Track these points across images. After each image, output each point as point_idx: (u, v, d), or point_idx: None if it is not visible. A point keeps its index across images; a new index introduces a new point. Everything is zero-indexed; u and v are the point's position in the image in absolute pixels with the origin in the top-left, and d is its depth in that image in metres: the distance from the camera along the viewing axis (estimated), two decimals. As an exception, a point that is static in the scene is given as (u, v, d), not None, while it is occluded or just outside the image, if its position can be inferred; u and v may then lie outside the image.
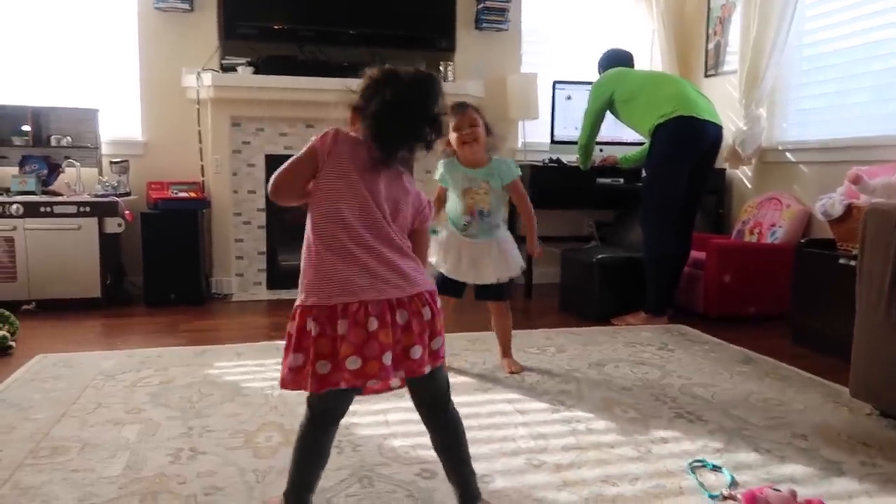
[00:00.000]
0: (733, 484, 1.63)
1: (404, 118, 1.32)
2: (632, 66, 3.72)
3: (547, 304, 3.91)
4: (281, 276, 4.18)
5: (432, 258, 2.47)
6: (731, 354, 2.83)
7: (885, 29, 3.25)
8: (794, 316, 3.13)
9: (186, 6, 3.91)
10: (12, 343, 2.79)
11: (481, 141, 2.38)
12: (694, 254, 3.59)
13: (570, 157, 4.15)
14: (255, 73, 3.95)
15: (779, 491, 1.46)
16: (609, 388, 2.36)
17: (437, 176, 2.50)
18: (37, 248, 3.51)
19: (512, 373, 2.54)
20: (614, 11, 4.65)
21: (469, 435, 1.90)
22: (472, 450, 1.79)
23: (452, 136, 2.37)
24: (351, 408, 1.42)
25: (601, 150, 4.30)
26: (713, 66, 4.41)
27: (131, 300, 3.83)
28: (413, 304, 1.31)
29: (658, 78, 3.54)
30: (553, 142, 4.38)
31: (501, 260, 2.47)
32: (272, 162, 3.99)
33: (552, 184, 4.22)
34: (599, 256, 3.54)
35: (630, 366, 2.64)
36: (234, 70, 3.93)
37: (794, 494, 1.45)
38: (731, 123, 4.01)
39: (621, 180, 4.09)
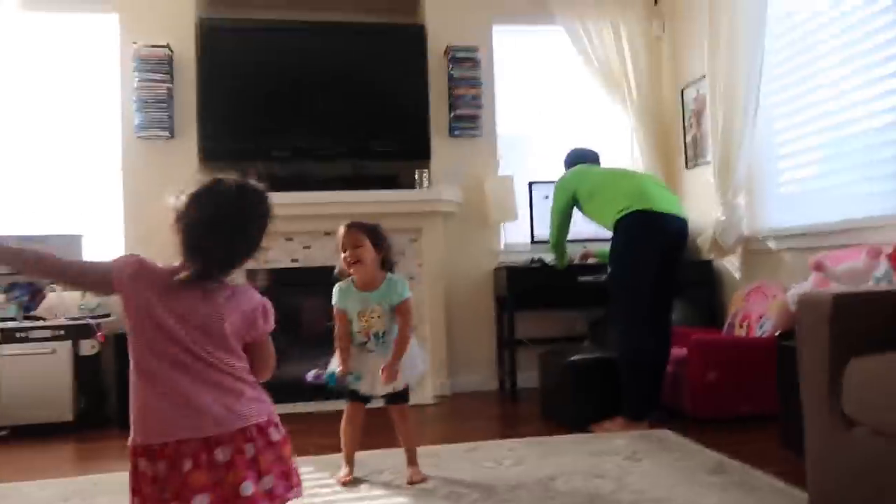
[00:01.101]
0: None
1: (217, 236, 1.28)
2: (597, 163, 3.70)
3: (529, 411, 3.72)
4: (271, 390, 4.10)
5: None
6: (702, 462, 2.59)
7: (859, 107, 3.12)
8: (781, 416, 2.88)
9: (167, 134, 4.11)
10: (-40, 473, 2.76)
11: (366, 262, 2.39)
12: (677, 351, 3.40)
13: (552, 256, 4.07)
14: (234, 192, 4.06)
15: None
16: (548, 506, 2.17)
17: (333, 301, 2.48)
18: (13, 374, 3.55)
19: (412, 483, 2.45)
20: (591, 111, 4.69)
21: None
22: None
23: (341, 257, 2.42)
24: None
25: (584, 247, 4.24)
26: (692, 157, 4.35)
27: (107, 423, 3.80)
28: (235, 441, 1.23)
29: (617, 174, 3.50)
30: (533, 241, 4.32)
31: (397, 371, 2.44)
32: (253, 275, 4.03)
33: (535, 284, 4.13)
34: (572, 358, 3.38)
35: (584, 479, 2.43)
36: (213, 190, 4.05)
37: None
38: (713, 213, 3.90)
39: (603, 277, 3.96)
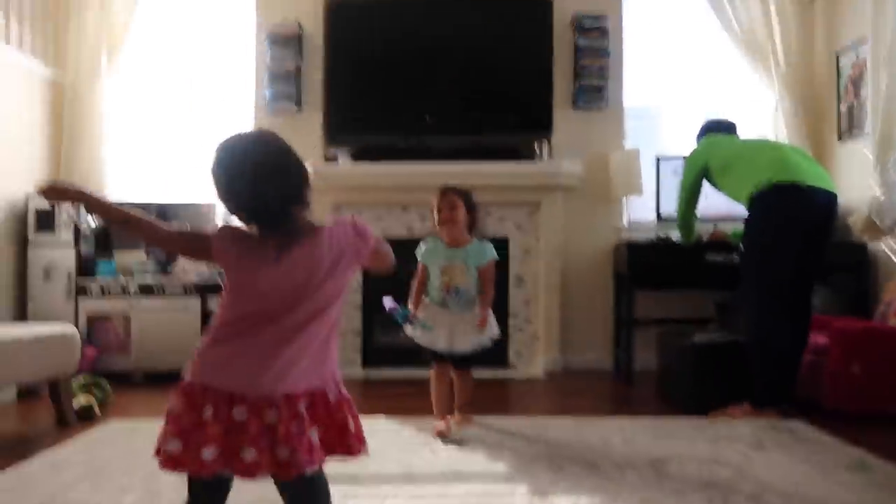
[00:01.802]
0: None
1: (239, 182, 1.25)
2: (733, 133, 3.40)
3: (645, 392, 3.52)
4: (376, 354, 4.16)
5: (415, 333, 2.56)
6: (840, 458, 2.31)
7: None
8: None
9: (295, 107, 4.25)
10: (97, 411, 3.00)
11: (459, 222, 2.54)
12: (817, 339, 3.07)
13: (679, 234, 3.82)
14: (356, 160, 4.14)
15: None
16: (658, 488, 2.01)
17: (418, 254, 2.63)
18: (148, 325, 3.84)
19: (459, 423, 2.57)
20: (729, 81, 4.34)
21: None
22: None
23: (434, 217, 2.56)
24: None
25: (715, 226, 3.94)
26: (847, 129, 3.91)
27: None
28: (258, 405, 1.23)
29: (756, 144, 3.19)
30: (660, 219, 4.07)
31: (475, 331, 2.53)
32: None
33: (658, 262, 3.88)
34: (696, 339, 3.15)
35: (700, 465, 2.24)
36: (335, 160, 4.15)
37: None
38: (869, 191, 3.49)
39: (735, 256, 3.66)
